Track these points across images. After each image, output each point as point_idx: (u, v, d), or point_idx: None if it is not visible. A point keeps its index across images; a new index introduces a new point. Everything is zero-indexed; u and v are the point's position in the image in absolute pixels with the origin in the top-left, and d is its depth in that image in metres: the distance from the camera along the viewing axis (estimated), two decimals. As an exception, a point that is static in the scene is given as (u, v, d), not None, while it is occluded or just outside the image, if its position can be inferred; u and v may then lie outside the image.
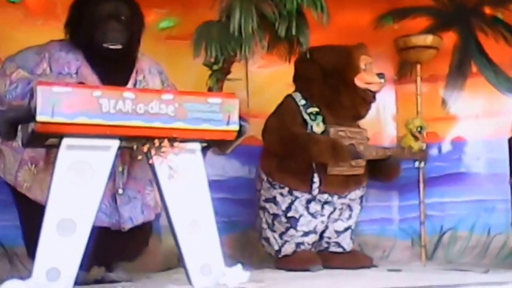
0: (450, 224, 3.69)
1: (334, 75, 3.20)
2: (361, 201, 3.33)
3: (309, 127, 3.15)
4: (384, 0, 3.80)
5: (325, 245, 3.29)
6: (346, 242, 3.30)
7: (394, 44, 3.65)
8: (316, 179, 3.14)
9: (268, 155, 3.23)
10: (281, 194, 3.18)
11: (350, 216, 3.29)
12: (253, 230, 3.39)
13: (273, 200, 3.20)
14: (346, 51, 3.23)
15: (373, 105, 3.40)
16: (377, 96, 3.36)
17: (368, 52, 3.28)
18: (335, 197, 3.19)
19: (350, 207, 3.28)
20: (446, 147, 3.80)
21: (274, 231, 3.22)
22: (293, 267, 3.10)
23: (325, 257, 3.22)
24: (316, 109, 3.18)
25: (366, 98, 3.26)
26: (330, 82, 3.20)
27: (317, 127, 3.14)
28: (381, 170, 3.35)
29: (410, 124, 3.48)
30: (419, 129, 3.47)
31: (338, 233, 3.27)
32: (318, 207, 3.18)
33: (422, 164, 3.54)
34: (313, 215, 3.18)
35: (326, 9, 2.93)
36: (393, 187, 3.73)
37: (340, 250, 3.29)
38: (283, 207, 3.17)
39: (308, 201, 3.16)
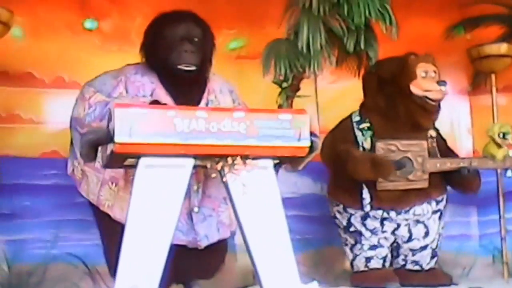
0: (532, 239, 3.54)
1: (390, 83, 3.11)
2: (440, 217, 3.22)
3: (360, 143, 3.10)
4: (454, 10, 3.73)
5: (402, 262, 3.21)
6: (425, 261, 3.19)
7: (467, 54, 3.56)
8: (365, 195, 3.07)
9: (329, 173, 3.24)
10: (339, 212, 3.17)
11: (426, 234, 3.18)
12: (327, 247, 3.36)
13: (335, 216, 3.21)
14: (403, 59, 3.14)
15: (447, 118, 3.31)
16: (451, 108, 3.27)
17: (431, 61, 3.14)
18: (393, 213, 3.09)
19: (424, 224, 3.17)
20: (526, 159, 3.64)
21: (346, 245, 3.22)
22: (370, 284, 3.05)
23: (402, 274, 3.14)
24: (367, 124, 3.11)
25: (426, 107, 3.09)
26: (385, 90, 3.12)
27: (365, 142, 3.09)
28: (457, 182, 3.23)
29: (490, 131, 3.24)
30: (501, 135, 3.23)
31: (413, 251, 3.18)
32: (376, 224, 3.11)
33: None
34: (372, 232, 3.12)
35: (394, 21, 2.89)
36: (471, 202, 3.61)
37: (417, 268, 3.19)
38: (344, 223, 3.17)
39: (363, 218, 3.11)
